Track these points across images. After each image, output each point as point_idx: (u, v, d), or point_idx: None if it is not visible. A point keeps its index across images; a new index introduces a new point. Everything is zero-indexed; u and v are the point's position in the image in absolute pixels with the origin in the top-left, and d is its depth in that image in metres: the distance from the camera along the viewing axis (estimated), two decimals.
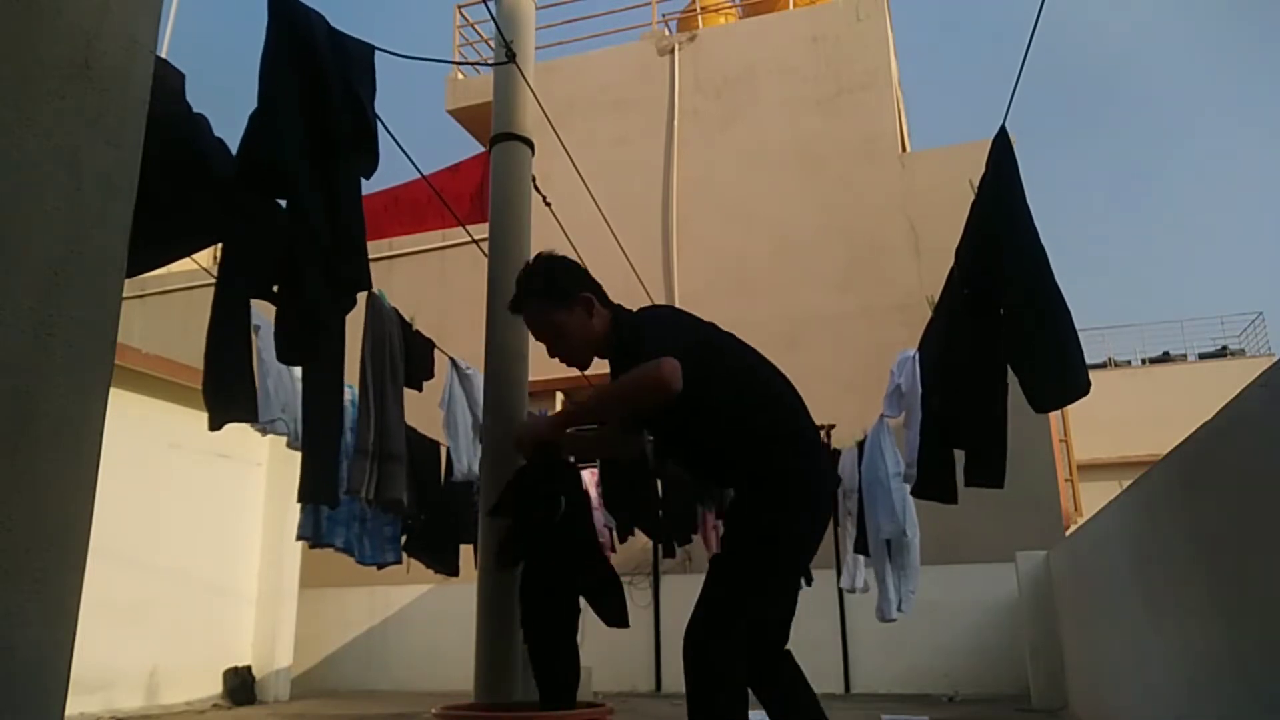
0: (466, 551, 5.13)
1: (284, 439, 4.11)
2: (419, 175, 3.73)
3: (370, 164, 2.49)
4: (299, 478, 3.56)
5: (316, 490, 3.57)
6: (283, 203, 2.36)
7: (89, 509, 1.24)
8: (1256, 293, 52.55)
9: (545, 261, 2.57)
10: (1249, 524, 2.18)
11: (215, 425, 2.94)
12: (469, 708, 2.72)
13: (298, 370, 3.80)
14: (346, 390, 4.22)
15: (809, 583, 4.07)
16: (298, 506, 4.30)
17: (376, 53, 2.55)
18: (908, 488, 5.57)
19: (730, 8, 11.93)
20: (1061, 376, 2.66)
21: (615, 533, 6.28)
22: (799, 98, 10.16)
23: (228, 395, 2.86)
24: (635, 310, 2.59)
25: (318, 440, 3.37)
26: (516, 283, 2.58)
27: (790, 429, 2.50)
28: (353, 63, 2.46)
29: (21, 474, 1.13)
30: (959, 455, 3.34)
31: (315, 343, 2.57)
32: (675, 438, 2.62)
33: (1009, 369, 2.89)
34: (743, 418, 2.45)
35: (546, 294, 2.50)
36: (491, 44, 7.12)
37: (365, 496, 4.08)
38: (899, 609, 5.82)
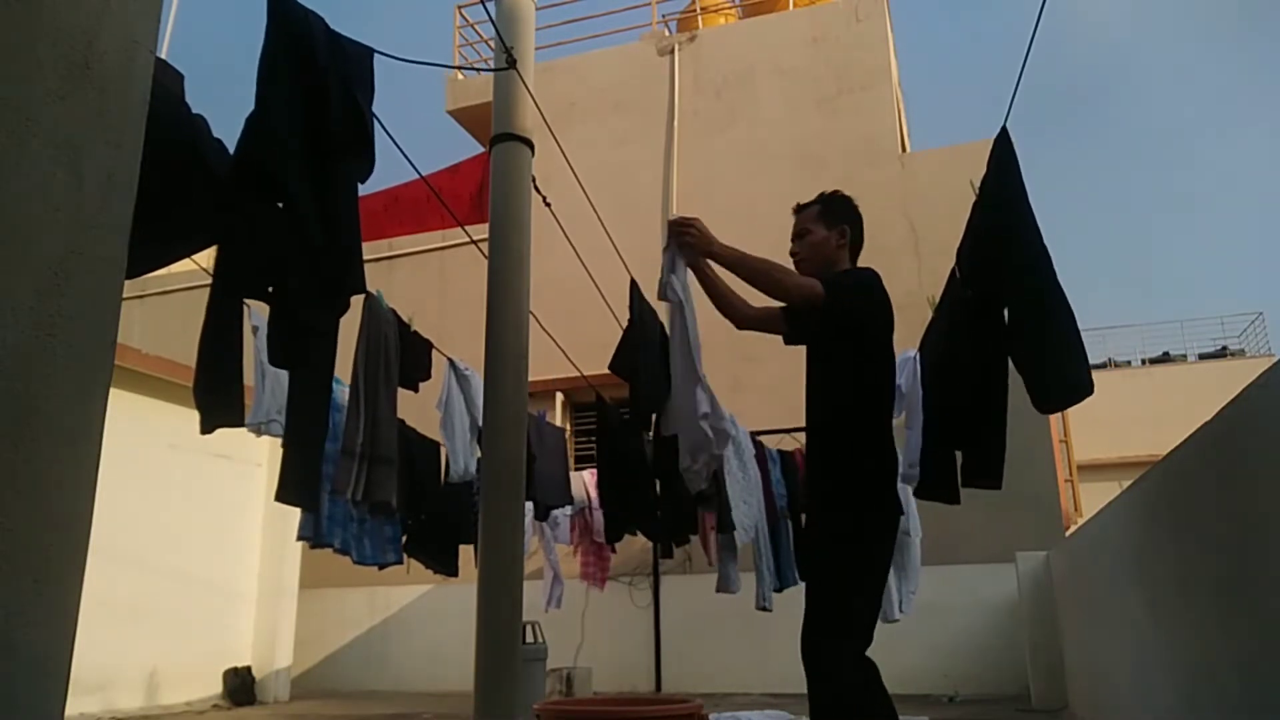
0: (466, 552, 5.13)
1: (280, 440, 4.08)
2: (418, 176, 3.73)
3: (365, 169, 2.49)
4: (278, 478, 3.50)
5: (294, 492, 3.52)
6: (280, 204, 2.36)
7: (89, 509, 1.24)
8: (1256, 293, 52.51)
9: (848, 197, 3.12)
10: (1249, 524, 2.18)
11: (206, 429, 2.92)
12: (573, 703, 2.74)
13: None
14: (343, 390, 4.22)
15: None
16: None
17: (376, 55, 2.55)
18: (909, 488, 5.57)
19: (730, 8, 11.92)
20: (1065, 377, 2.66)
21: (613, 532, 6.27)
22: (799, 98, 10.16)
23: (218, 398, 2.85)
24: (865, 270, 2.97)
25: (300, 442, 3.35)
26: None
27: (881, 444, 2.80)
28: (351, 65, 2.45)
29: (21, 474, 1.13)
30: (960, 455, 3.34)
31: (306, 347, 2.56)
32: (813, 369, 2.93)
33: (1011, 369, 2.88)
34: (857, 409, 2.78)
35: (824, 206, 3.06)
36: (492, 44, 7.12)
37: (353, 498, 4.04)
38: (900, 609, 5.82)
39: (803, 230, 3.05)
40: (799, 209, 3.11)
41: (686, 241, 2.99)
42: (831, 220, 3.01)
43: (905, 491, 5.51)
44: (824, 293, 2.75)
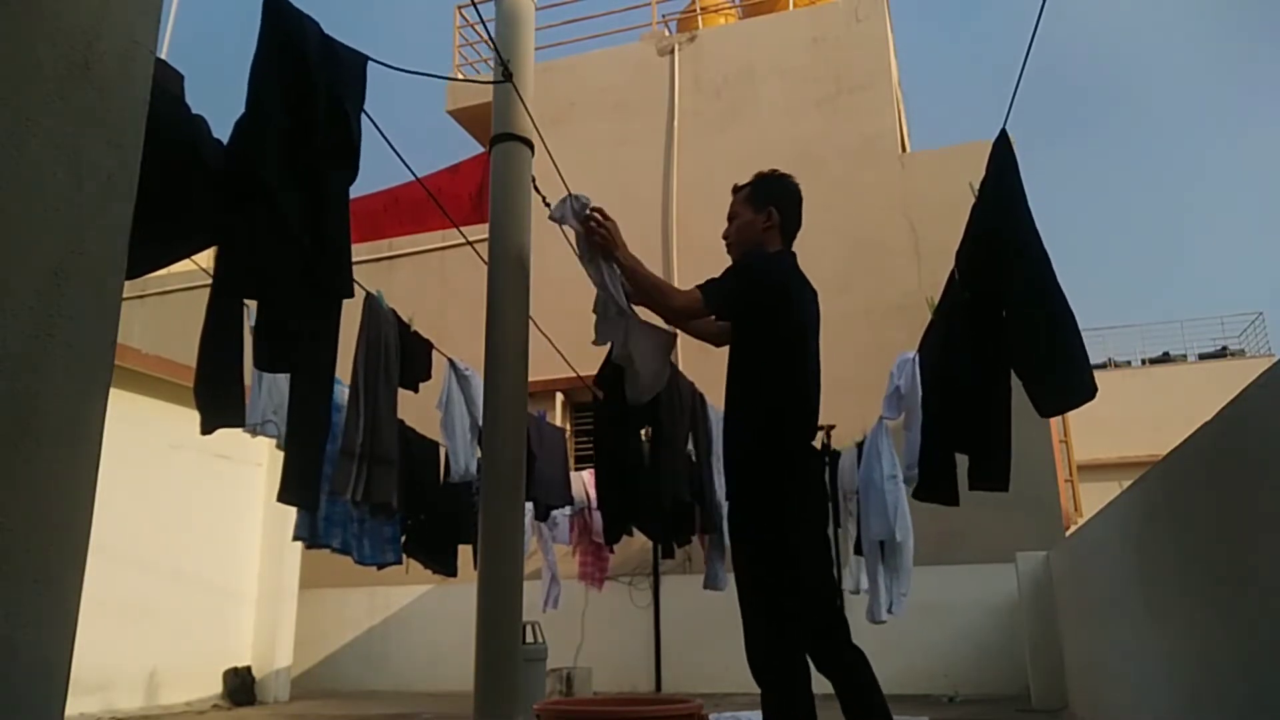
0: (465, 552, 5.13)
1: (275, 440, 4.08)
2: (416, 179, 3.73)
3: (349, 177, 2.48)
4: (280, 478, 3.50)
5: (295, 492, 3.52)
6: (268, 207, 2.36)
7: (89, 509, 1.24)
8: (1256, 293, 52.59)
9: (782, 177, 2.99)
10: (1248, 524, 2.18)
11: (206, 429, 2.92)
12: (573, 703, 2.76)
13: None
14: (343, 391, 4.22)
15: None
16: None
17: (371, 61, 2.54)
18: (903, 490, 5.56)
19: (730, 8, 11.92)
20: (1066, 380, 2.64)
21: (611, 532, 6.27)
22: (798, 98, 10.16)
23: (218, 399, 2.84)
24: (772, 252, 2.89)
25: (300, 443, 3.34)
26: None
27: (798, 430, 2.77)
28: (343, 72, 2.44)
29: (21, 474, 1.13)
30: (961, 458, 3.34)
31: (291, 351, 2.55)
32: (731, 360, 2.87)
33: (1012, 372, 2.87)
34: (769, 386, 2.74)
35: (753, 188, 2.97)
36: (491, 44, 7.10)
37: (353, 498, 4.04)
38: (889, 611, 5.82)
39: (732, 214, 2.98)
40: (734, 190, 3.03)
41: (595, 241, 2.90)
42: (759, 202, 2.92)
43: (896, 493, 5.52)
44: (703, 303, 2.71)
